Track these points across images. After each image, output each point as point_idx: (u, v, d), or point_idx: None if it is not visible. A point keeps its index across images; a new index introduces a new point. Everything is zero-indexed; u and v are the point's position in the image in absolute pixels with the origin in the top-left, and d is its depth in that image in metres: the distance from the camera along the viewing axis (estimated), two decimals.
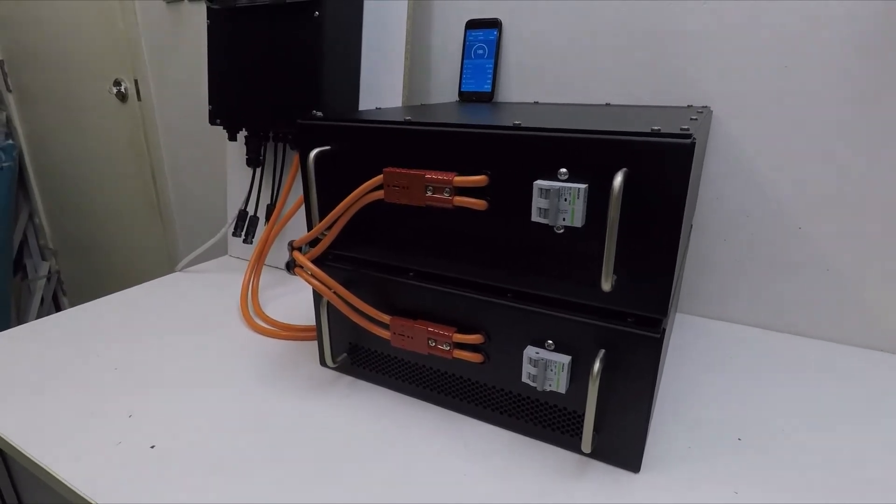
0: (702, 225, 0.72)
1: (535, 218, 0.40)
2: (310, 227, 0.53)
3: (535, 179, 0.40)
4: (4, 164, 1.66)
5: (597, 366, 0.41)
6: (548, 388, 0.45)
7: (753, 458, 0.47)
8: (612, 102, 0.72)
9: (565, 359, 0.44)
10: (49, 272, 1.93)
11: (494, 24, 0.77)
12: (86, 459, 0.47)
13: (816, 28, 0.60)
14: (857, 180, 0.62)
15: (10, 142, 1.71)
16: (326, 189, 0.53)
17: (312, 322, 0.71)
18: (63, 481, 0.44)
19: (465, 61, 0.80)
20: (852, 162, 0.62)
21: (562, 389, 0.44)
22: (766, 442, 0.49)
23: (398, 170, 0.45)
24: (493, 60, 0.78)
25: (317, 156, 0.50)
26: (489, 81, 0.78)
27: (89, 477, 0.45)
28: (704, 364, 0.62)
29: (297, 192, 0.83)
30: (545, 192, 0.39)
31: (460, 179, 0.43)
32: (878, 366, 0.62)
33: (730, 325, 0.73)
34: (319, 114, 0.53)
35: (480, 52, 0.78)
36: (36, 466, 0.47)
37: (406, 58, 0.77)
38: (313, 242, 0.53)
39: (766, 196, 0.67)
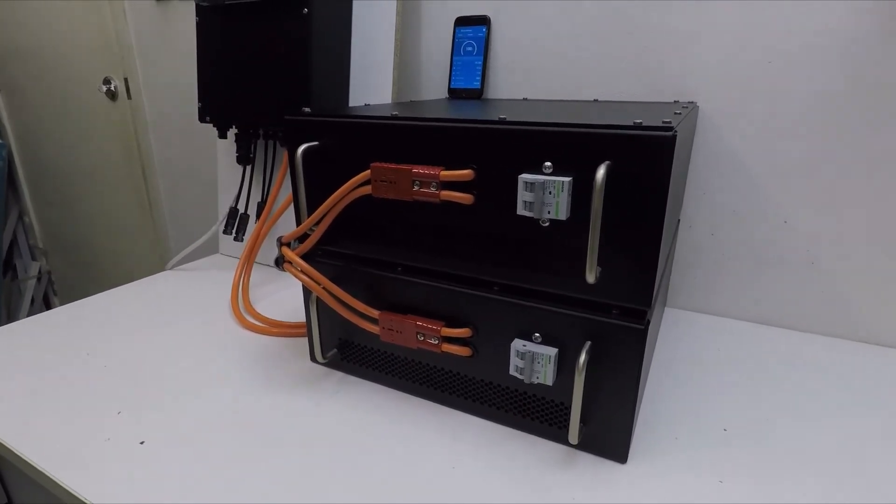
0: (689, 219, 0.73)
1: (520, 211, 0.41)
2: (299, 224, 0.54)
3: (521, 173, 0.41)
4: None
5: (583, 357, 0.42)
6: (535, 381, 0.45)
7: (738, 449, 0.48)
8: (599, 98, 0.73)
9: (552, 351, 0.44)
10: (39, 272, 1.92)
11: (483, 20, 0.77)
12: (74, 456, 0.47)
13: (801, 23, 0.60)
14: (842, 175, 0.63)
15: (0, 140, 1.70)
16: (315, 185, 0.53)
17: (303, 319, 0.71)
18: (52, 477, 0.44)
19: (454, 58, 0.80)
20: (838, 157, 0.62)
21: (549, 382, 0.45)
22: (751, 433, 0.50)
23: (385, 165, 0.46)
24: (482, 57, 0.78)
25: (305, 151, 0.50)
26: (478, 78, 0.79)
27: (78, 473, 0.45)
28: (691, 356, 0.63)
29: (288, 189, 0.83)
30: (530, 186, 0.40)
31: (447, 174, 0.43)
32: (861, 358, 0.63)
33: (716, 318, 0.73)
34: (307, 110, 0.53)
35: (469, 48, 0.79)
36: (24, 463, 0.47)
37: (395, 54, 0.77)
38: (302, 238, 0.53)
39: (753, 190, 0.68)
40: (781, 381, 0.58)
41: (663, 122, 0.37)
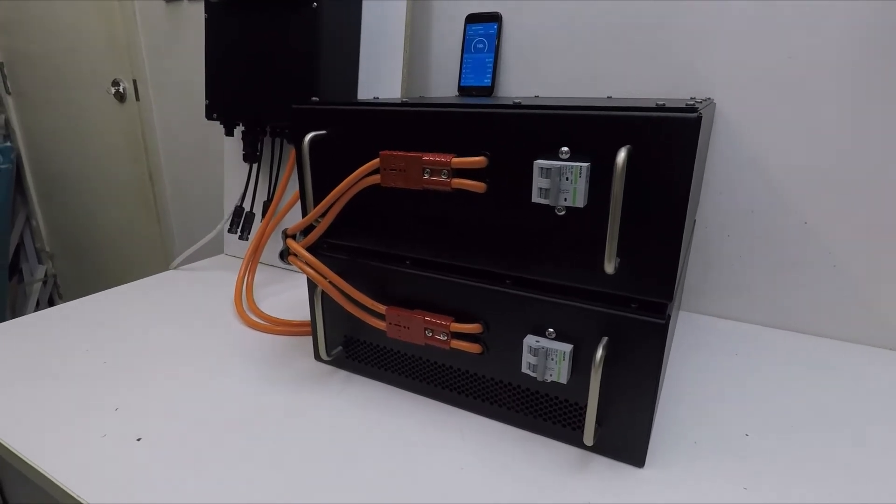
0: (705, 220, 0.71)
1: (535, 199, 0.39)
2: (305, 215, 0.52)
3: (536, 159, 0.39)
4: (2, 167, 1.66)
5: (599, 354, 0.40)
6: (549, 379, 0.43)
7: (763, 455, 0.45)
8: (613, 96, 0.71)
9: (567, 347, 0.42)
10: (45, 275, 1.91)
11: (494, 17, 0.76)
12: (70, 453, 0.45)
13: (822, 17, 0.59)
14: (864, 174, 0.61)
15: (8, 144, 1.71)
16: (322, 176, 0.51)
17: (307, 318, 0.70)
18: (45, 474, 0.43)
19: (464, 55, 0.79)
20: (860, 155, 0.60)
21: (563, 380, 0.43)
22: (776, 439, 0.47)
23: (395, 153, 0.44)
24: (493, 55, 0.77)
25: (312, 140, 0.49)
26: (489, 76, 0.78)
27: (73, 470, 0.43)
28: (708, 361, 0.61)
29: (294, 187, 0.82)
30: (546, 172, 0.38)
31: (459, 161, 0.42)
32: (884, 363, 0.60)
33: (735, 322, 0.71)
34: (315, 99, 0.52)
35: (480, 46, 0.78)
36: (18, 459, 0.45)
37: (405, 51, 0.76)
38: (307, 231, 0.52)
39: (771, 190, 0.66)
40: (804, 386, 0.56)
41: (687, 104, 0.35)
